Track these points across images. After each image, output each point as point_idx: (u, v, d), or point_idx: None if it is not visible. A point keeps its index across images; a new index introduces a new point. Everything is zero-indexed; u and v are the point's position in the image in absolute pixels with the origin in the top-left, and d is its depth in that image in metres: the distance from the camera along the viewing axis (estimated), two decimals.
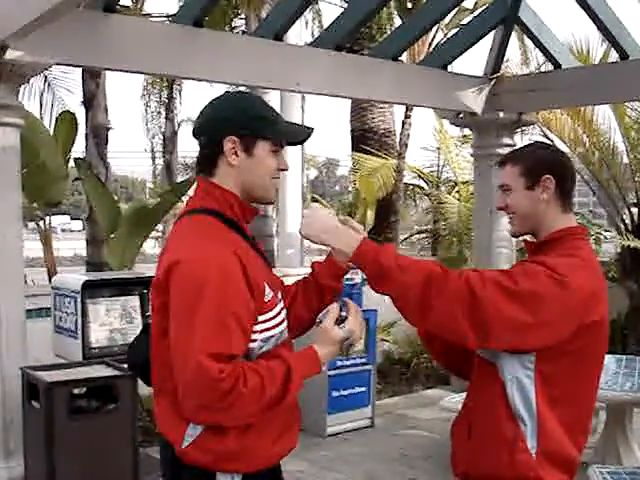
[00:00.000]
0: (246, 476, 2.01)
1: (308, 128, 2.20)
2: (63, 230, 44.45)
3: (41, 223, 9.17)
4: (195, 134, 2.13)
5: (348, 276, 6.45)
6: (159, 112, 15.08)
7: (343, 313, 2.10)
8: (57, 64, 4.78)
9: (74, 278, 4.93)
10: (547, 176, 2.25)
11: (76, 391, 4.16)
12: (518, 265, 2.24)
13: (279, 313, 2.10)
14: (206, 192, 2.09)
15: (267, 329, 2.03)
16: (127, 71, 5.11)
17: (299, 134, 2.18)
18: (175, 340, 1.92)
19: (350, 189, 12.91)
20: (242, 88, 6.21)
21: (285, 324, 2.14)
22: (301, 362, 2.03)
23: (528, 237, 2.39)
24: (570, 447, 2.18)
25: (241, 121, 2.04)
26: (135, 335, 2.42)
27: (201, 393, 1.86)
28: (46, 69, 4.99)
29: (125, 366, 4.11)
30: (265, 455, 2.05)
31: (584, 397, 2.24)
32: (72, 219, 45.95)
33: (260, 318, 2.01)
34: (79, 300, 4.64)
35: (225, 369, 1.85)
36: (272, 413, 1.98)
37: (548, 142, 7.02)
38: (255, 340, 2.00)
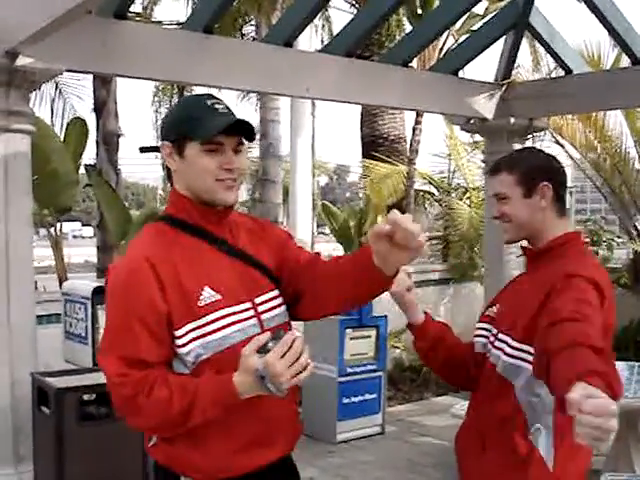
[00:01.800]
0: None
1: (234, 118, 2.01)
2: (74, 237, 44.69)
3: (52, 230, 9.21)
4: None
5: None
6: None
7: (270, 344, 1.84)
8: (68, 71, 4.79)
9: (84, 284, 4.94)
10: (544, 183, 2.24)
11: (86, 397, 4.15)
12: (571, 293, 2.06)
13: (225, 316, 1.97)
14: (169, 199, 2.17)
15: (203, 335, 1.93)
16: (137, 78, 5.11)
17: (219, 125, 1.96)
18: None
19: (361, 195, 12.88)
20: (252, 94, 6.21)
21: (238, 327, 1.98)
22: (212, 386, 1.89)
23: (525, 243, 2.38)
24: (583, 460, 2.16)
25: (171, 125, 2.07)
26: None
27: (111, 395, 1.94)
28: (57, 75, 5.01)
29: None
30: (223, 466, 1.97)
31: None
32: (83, 225, 46.18)
33: (191, 325, 1.93)
34: (89, 306, 4.65)
35: (128, 374, 1.88)
36: (231, 423, 1.94)
37: (538, 147, 7.00)
38: (185, 345, 1.93)
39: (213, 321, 1.95)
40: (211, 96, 2.08)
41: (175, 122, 2.06)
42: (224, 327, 1.96)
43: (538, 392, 2.11)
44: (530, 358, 2.08)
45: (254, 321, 2.03)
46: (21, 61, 4.23)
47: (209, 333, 1.94)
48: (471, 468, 2.31)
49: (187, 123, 2.00)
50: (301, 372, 1.88)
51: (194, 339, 1.93)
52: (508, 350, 2.18)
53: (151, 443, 2.06)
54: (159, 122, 15.22)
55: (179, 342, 1.93)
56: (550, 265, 2.22)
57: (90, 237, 35.40)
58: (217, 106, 2.02)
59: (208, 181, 2.00)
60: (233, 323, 1.98)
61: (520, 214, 2.28)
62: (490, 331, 2.32)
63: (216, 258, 2.05)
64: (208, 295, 1.96)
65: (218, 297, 1.97)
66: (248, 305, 2.03)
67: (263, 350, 1.83)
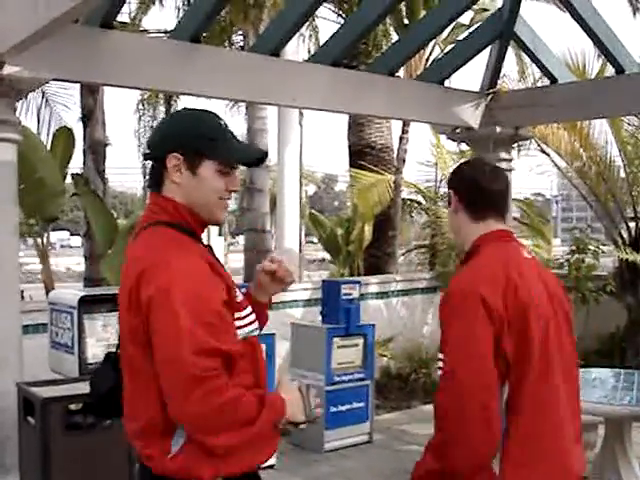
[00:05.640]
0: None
1: (261, 150, 2.21)
2: (62, 246, 44.46)
3: (38, 239, 9.17)
4: (145, 153, 2.16)
5: (346, 291, 6.46)
6: (152, 127, 15.11)
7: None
8: (54, 80, 4.81)
9: (70, 293, 4.91)
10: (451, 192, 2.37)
11: (72, 407, 4.13)
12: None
13: (249, 314, 2.13)
14: (158, 205, 2.09)
15: (239, 327, 2.05)
16: (124, 87, 5.14)
17: (249, 155, 2.16)
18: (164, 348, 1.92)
19: (348, 204, 12.92)
20: (241, 103, 6.23)
21: (256, 325, 2.16)
22: (279, 402, 2.03)
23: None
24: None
25: (186, 139, 2.03)
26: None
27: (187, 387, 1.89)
28: (43, 84, 5.01)
29: None
30: (247, 460, 2.01)
31: None
32: (71, 235, 45.97)
33: (236, 315, 2.05)
34: (75, 315, 4.61)
35: (218, 368, 1.90)
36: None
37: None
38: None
39: (246, 316, 2.10)
40: (219, 116, 2.13)
41: (191, 137, 2.03)
42: (251, 322, 2.12)
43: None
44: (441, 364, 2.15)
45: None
46: (7, 70, 4.23)
47: (243, 326, 2.07)
48: None
49: (207, 142, 2.02)
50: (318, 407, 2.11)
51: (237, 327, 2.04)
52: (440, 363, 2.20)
53: (170, 455, 1.98)
54: (143, 129, 15.20)
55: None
56: None
57: (77, 247, 35.27)
58: (229, 129, 2.10)
59: (212, 200, 2.06)
60: (254, 320, 2.15)
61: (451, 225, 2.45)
62: None
63: (216, 262, 2.11)
64: (238, 292, 2.10)
65: (241, 296, 2.12)
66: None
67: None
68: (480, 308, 2.06)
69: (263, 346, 6.04)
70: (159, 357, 1.92)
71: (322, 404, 2.18)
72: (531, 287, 2.17)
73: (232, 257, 24.96)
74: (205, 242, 2.16)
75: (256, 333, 2.15)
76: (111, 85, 5.25)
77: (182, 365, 1.86)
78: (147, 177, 2.22)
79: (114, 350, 2.25)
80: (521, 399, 2.11)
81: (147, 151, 2.13)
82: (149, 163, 2.18)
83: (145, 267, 1.94)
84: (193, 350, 1.86)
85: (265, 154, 2.18)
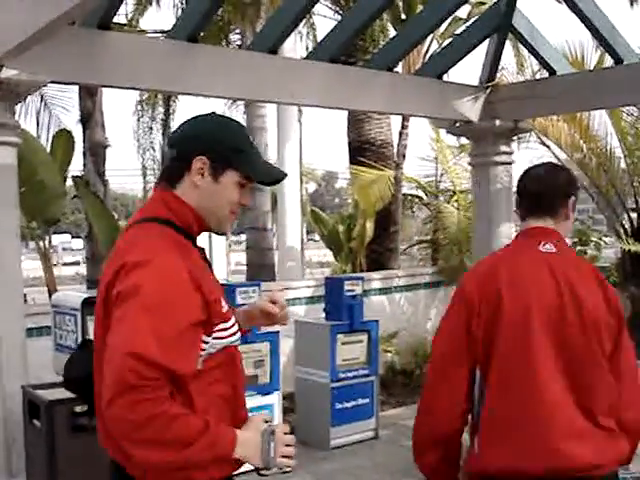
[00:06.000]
0: None
1: (282, 172, 2.20)
2: (64, 249, 44.48)
3: (40, 242, 9.18)
4: (170, 144, 2.12)
5: (349, 287, 6.46)
6: (150, 128, 15.10)
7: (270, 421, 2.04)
8: (53, 82, 4.79)
9: (73, 296, 4.91)
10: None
11: (78, 409, 4.13)
12: None
13: (233, 325, 2.07)
14: (162, 200, 2.06)
15: (222, 337, 2.00)
16: (123, 88, 5.12)
17: (272, 175, 2.16)
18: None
19: (350, 201, 12.90)
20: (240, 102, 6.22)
21: (238, 335, 2.11)
22: (223, 430, 1.90)
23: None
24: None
25: (218, 146, 2.03)
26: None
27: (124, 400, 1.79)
28: (42, 87, 5.00)
29: None
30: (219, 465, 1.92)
31: None
32: (73, 237, 45.98)
33: (221, 325, 2.00)
34: (79, 317, 4.62)
35: (163, 383, 1.80)
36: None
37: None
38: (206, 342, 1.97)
39: (230, 327, 2.04)
40: (245, 128, 2.19)
41: (222, 144, 2.04)
42: (234, 334, 2.06)
43: None
44: None
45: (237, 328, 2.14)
46: (5, 73, 4.23)
47: (226, 337, 2.02)
48: None
49: (236, 152, 2.04)
50: (289, 457, 1.99)
51: (216, 338, 1.99)
52: None
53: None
54: (142, 130, 15.17)
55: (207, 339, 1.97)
56: None
57: (79, 249, 35.28)
58: (254, 143, 2.16)
59: (225, 210, 2.08)
60: (237, 332, 2.10)
61: None
62: None
63: (207, 270, 2.07)
64: (224, 304, 2.04)
65: (227, 307, 2.06)
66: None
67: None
68: (459, 293, 2.43)
69: (267, 344, 6.00)
70: (108, 346, 1.84)
71: (292, 461, 2.00)
72: (519, 277, 2.36)
73: (234, 256, 24.93)
74: (200, 244, 2.13)
75: (237, 343, 2.11)
76: (109, 86, 5.24)
77: (121, 366, 1.77)
78: (161, 171, 2.17)
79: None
80: (489, 375, 2.32)
81: (174, 149, 2.08)
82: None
83: (125, 262, 1.89)
84: (138, 355, 1.76)
85: (285, 176, 2.19)
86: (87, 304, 4.70)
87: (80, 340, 4.38)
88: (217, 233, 2.18)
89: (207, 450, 1.82)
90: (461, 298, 2.40)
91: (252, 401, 5.27)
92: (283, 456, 1.97)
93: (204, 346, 1.95)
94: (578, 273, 2.41)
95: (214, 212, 2.07)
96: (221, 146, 2.03)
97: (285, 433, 2.00)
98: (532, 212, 2.51)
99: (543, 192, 2.51)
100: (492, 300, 2.33)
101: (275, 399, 5.63)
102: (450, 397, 2.35)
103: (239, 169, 2.05)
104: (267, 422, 2.02)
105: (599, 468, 2.26)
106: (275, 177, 2.16)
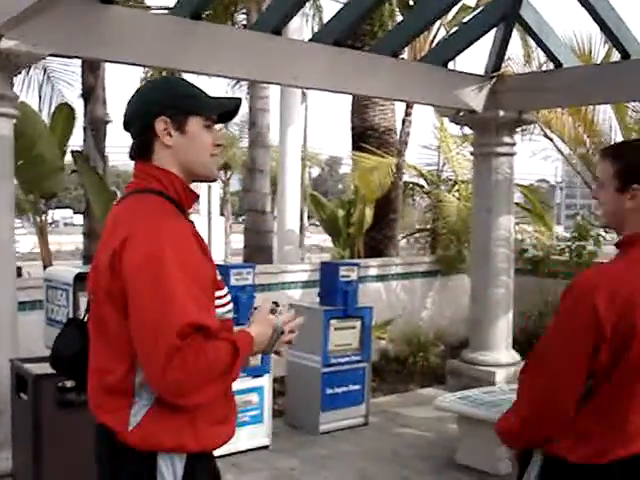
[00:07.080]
0: (190, 457, 2.00)
1: (237, 98, 2.26)
2: (66, 224, 44.47)
3: (37, 217, 9.15)
4: (126, 124, 2.14)
5: (344, 273, 6.42)
6: None
7: (279, 307, 2.14)
8: (52, 55, 4.75)
9: (66, 270, 4.88)
10: (636, 186, 2.17)
11: (68, 384, 4.12)
12: None
13: (226, 295, 2.12)
14: (148, 174, 2.09)
15: (217, 306, 2.05)
16: (124, 63, 5.08)
17: (229, 105, 2.20)
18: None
19: (352, 187, 12.85)
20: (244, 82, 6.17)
21: (231, 306, 2.15)
22: (244, 335, 2.04)
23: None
24: None
25: (170, 101, 2.07)
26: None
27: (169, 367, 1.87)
28: (41, 59, 4.96)
29: None
30: (210, 435, 2.04)
31: None
32: (75, 213, 46.00)
33: (216, 294, 2.06)
34: (71, 292, 4.59)
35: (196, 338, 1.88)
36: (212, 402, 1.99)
37: None
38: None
39: (224, 296, 2.09)
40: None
41: (174, 98, 2.07)
42: (227, 303, 2.11)
43: None
44: None
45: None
46: (4, 44, 4.19)
47: (222, 305, 2.07)
48: None
49: (189, 100, 2.08)
50: (289, 342, 2.14)
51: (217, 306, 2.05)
52: None
53: (130, 427, 1.98)
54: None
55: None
56: None
57: (81, 225, 35.28)
58: (196, 85, 2.17)
59: (205, 155, 2.11)
60: (230, 302, 2.14)
61: (609, 205, 2.25)
62: None
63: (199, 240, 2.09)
64: (217, 272, 2.10)
65: (220, 277, 2.11)
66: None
67: (272, 312, 2.12)
68: (586, 314, 2.06)
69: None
70: (139, 320, 1.89)
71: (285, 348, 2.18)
72: None
73: (235, 238, 24.85)
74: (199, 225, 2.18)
75: (231, 316, 2.14)
76: (111, 61, 5.21)
77: (165, 334, 1.84)
78: (131, 151, 2.16)
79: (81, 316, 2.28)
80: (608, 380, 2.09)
81: (133, 126, 2.11)
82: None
83: (132, 231, 1.92)
84: (180, 321, 1.83)
85: (240, 101, 2.23)
86: (79, 279, 4.68)
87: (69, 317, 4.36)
88: (209, 181, 2.26)
89: (241, 365, 1.97)
90: (591, 322, 2.04)
91: (242, 383, 5.26)
92: (287, 341, 2.13)
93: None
94: None
95: (195, 162, 2.10)
96: (173, 99, 2.07)
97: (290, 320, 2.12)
98: None
99: None
100: (629, 333, 2.05)
101: (266, 381, 5.61)
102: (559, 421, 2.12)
103: (199, 113, 2.08)
104: (275, 303, 2.14)
105: None
106: (232, 104, 2.20)
